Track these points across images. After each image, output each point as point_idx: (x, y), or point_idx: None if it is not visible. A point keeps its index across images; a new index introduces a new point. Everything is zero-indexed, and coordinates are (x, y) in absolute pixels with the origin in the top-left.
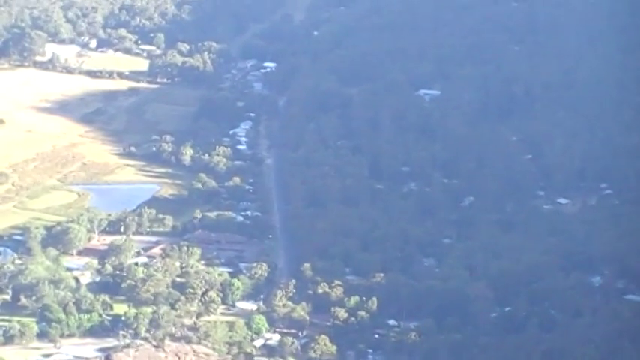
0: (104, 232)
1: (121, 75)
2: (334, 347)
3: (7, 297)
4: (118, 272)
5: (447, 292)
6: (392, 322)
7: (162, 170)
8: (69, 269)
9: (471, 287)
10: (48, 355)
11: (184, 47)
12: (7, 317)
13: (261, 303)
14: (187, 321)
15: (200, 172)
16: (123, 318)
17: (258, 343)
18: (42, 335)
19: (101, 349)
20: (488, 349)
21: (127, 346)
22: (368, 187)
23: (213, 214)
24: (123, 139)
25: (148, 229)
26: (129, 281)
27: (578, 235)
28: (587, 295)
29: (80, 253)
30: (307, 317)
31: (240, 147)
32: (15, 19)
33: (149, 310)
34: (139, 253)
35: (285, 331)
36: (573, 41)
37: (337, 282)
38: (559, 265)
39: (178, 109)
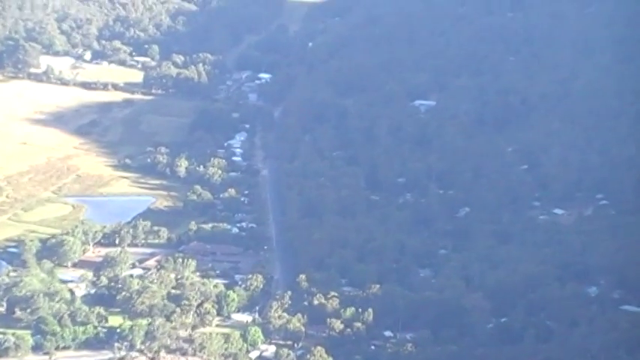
0: (99, 244)
1: (115, 87)
2: (330, 359)
3: (2, 310)
4: (113, 284)
5: (443, 303)
6: (388, 333)
7: (157, 182)
8: (64, 281)
9: (468, 298)
10: None
11: (179, 59)
12: (1, 330)
13: (256, 315)
14: (183, 333)
15: (195, 184)
16: (118, 330)
17: (254, 355)
18: (37, 348)
19: None
20: None
21: (123, 358)
22: (364, 197)
23: (208, 226)
24: (118, 151)
25: (143, 241)
26: (124, 293)
27: (574, 246)
28: (583, 306)
29: (75, 265)
30: (303, 329)
31: (235, 158)
32: (9, 31)
33: (144, 322)
34: (134, 265)
35: (281, 342)
36: (569, 52)
37: (333, 293)
38: (555, 275)
39: (173, 121)
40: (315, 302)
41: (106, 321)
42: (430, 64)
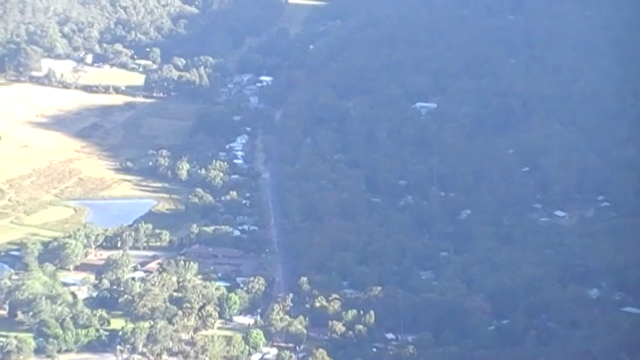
0: (101, 247)
1: (117, 90)
2: None
3: (4, 313)
4: (115, 287)
5: (444, 305)
6: (389, 335)
7: (159, 185)
8: (66, 284)
9: (469, 300)
10: None
11: (180, 62)
12: (4, 333)
13: (258, 317)
14: (185, 336)
15: (197, 187)
16: (120, 333)
17: (256, 357)
18: (39, 351)
19: None
20: None
21: None
22: (365, 200)
23: (210, 229)
24: (119, 154)
25: (145, 244)
26: (126, 296)
27: (575, 248)
28: (584, 308)
29: (77, 268)
30: (305, 331)
31: (236, 161)
32: (11, 35)
33: (146, 325)
34: (135, 268)
35: (282, 345)
36: (569, 54)
37: (335, 296)
38: (556, 277)
39: (175, 124)
40: (317, 305)
41: (108, 324)
42: (431, 66)
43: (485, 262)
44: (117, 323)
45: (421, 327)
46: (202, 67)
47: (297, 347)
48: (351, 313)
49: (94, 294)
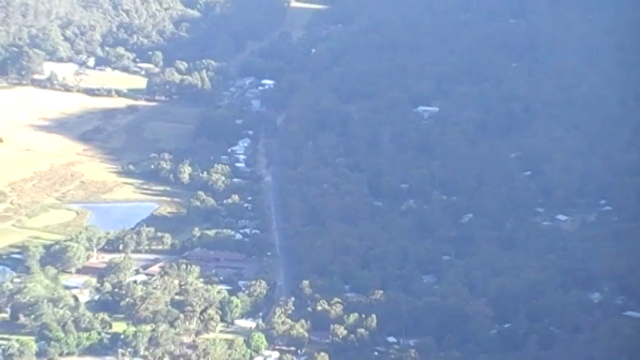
0: (103, 250)
1: (119, 93)
2: None
3: (6, 316)
4: (116, 290)
5: (446, 309)
6: (391, 339)
7: (161, 188)
8: (67, 288)
9: (471, 304)
10: None
11: (183, 65)
12: (5, 336)
13: (260, 321)
14: (186, 339)
15: (199, 190)
16: (122, 336)
17: None
18: (41, 354)
19: None
20: None
21: None
22: (367, 204)
23: (212, 232)
24: (121, 157)
25: (147, 247)
26: (128, 299)
27: (577, 252)
28: (586, 312)
29: (79, 271)
30: (306, 335)
31: (238, 165)
32: (13, 38)
33: (148, 328)
34: (137, 272)
35: (284, 348)
36: (572, 58)
37: (336, 299)
38: (558, 281)
39: (177, 127)
40: (319, 308)
41: (110, 327)
42: (433, 70)
43: (487, 266)
44: (119, 326)
45: (423, 331)
46: (204, 71)
47: (299, 351)
48: (353, 317)
49: (96, 297)
